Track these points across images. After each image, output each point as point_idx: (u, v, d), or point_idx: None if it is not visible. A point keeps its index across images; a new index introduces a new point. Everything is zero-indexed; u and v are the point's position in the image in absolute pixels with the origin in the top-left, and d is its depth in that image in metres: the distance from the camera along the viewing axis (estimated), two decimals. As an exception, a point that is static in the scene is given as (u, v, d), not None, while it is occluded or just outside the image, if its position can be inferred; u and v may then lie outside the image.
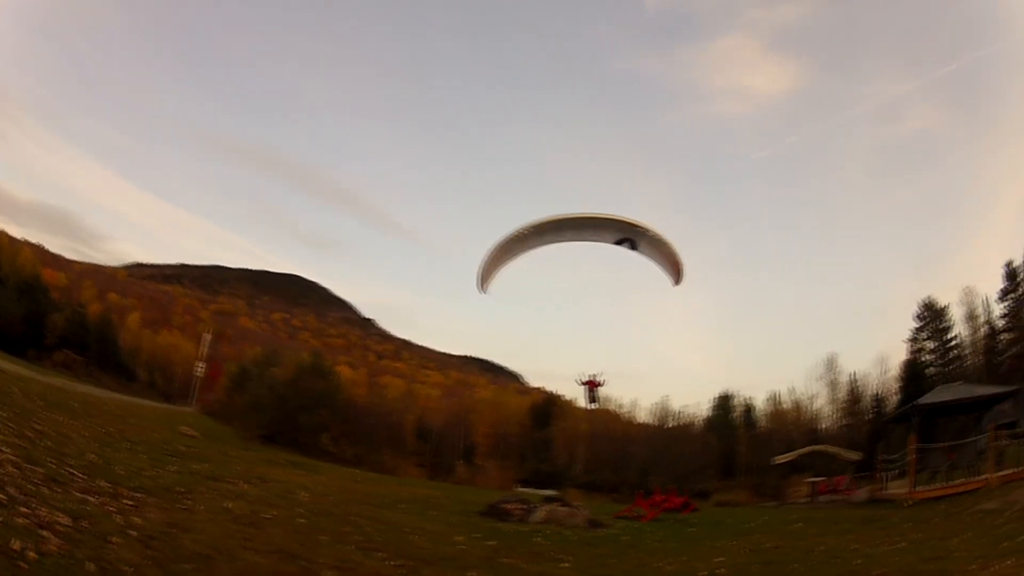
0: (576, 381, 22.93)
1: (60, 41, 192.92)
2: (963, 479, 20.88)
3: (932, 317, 65.47)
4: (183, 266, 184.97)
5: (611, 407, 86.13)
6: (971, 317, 63.45)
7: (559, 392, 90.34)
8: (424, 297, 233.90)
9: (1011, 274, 60.02)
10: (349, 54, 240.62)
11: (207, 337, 37.70)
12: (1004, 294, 60.53)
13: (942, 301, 65.81)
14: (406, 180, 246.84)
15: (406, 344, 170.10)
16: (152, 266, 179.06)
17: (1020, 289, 59.25)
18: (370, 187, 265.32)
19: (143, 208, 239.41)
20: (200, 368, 35.40)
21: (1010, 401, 29.67)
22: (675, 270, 20.85)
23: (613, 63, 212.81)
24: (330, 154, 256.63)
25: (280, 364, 57.79)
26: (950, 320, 64.64)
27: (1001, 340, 60.33)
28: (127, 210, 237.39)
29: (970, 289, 64.55)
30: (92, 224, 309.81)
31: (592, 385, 22.93)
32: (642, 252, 20.88)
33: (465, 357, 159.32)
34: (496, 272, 20.88)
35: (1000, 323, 61.19)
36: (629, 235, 20.52)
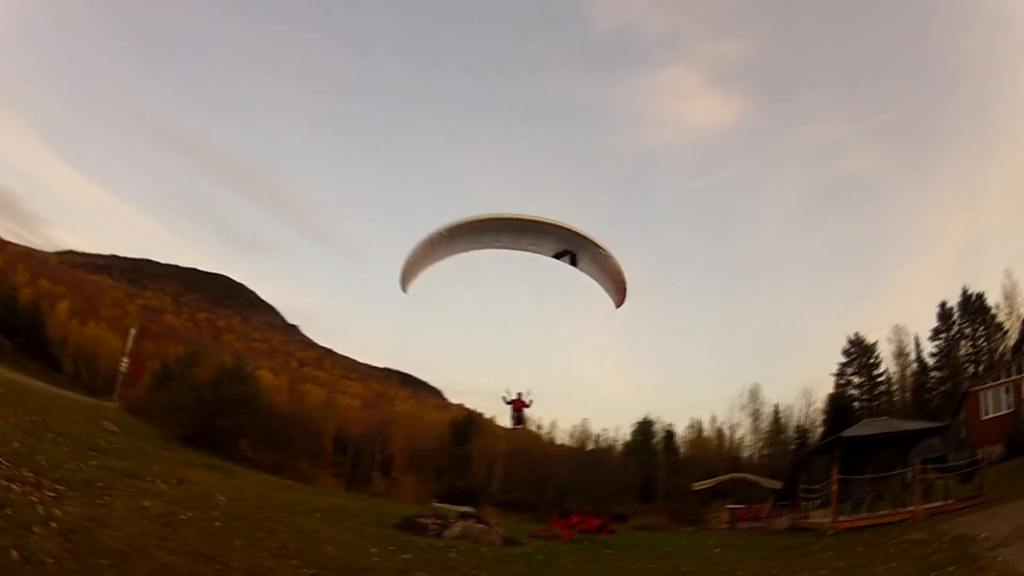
0: (502, 399, 21.57)
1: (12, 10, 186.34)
2: (888, 510, 21.33)
3: (860, 352, 67.59)
4: (114, 257, 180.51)
5: (531, 427, 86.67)
6: (900, 354, 65.82)
7: (479, 409, 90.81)
8: (350, 307, 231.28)
9: (945, 315, 62.48)
10: (290, 57, 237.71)
11: (133, 332, 36.97)
12: (936, 333, 63.21)
13: (871, 338, 68.02)
14: (338, 188, 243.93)
15: (329, 353, 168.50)
16: (84, 255, 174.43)
17: (954, 329, 61.54)
18: (303, 192, 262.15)
19: (80, 193, 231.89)
20: (124, 363, 34.66)
21: (939, 437, 30.78)
22: (619, 290, 19.54)
23: (550, 83, 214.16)
24: (267, 155, 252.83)
25: (202, 365, 57.07)
26: (878, 356, 66.88)
27: (932, 378, 62.60)
28: (65, 193, 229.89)
29: (900, 328, 67.06)
30: (31, 206, 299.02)
31: (518, 405, 21.61)
32: (583, 269, 19.30)
33: (386, 369, 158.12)
34: (421, 271, 19.18)
35: (931, 361, 63.75)
36: (571, 247, 18.82)
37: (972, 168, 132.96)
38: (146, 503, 10.96)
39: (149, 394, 52.17)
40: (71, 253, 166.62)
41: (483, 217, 18.27)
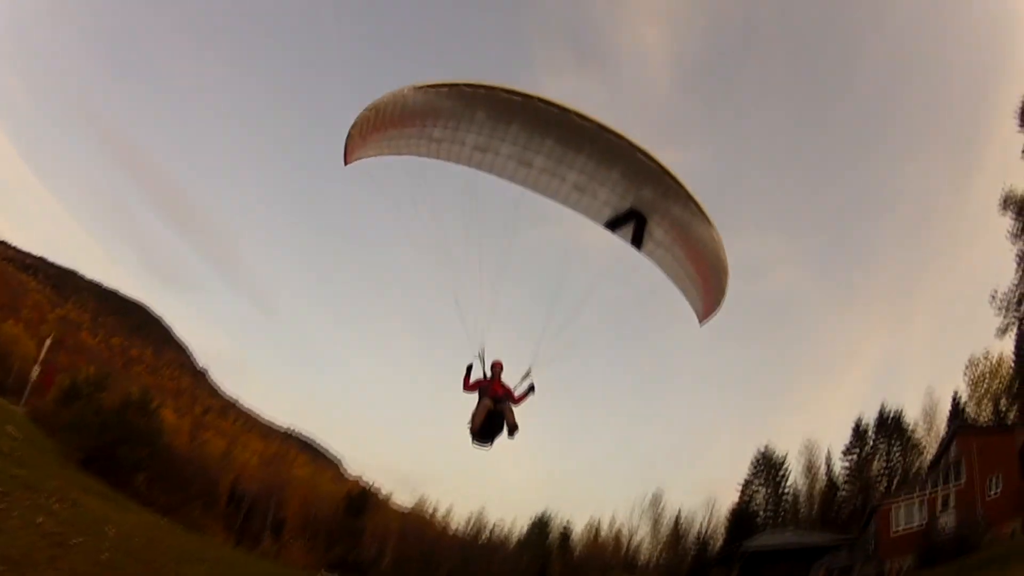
0: (466, 371, 12.33)
1: None
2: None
3: (768, 465, 68.30)
4: (43, 260, 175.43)
5: (425, 510, 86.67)
6: (810, 468, 66.70)
7: (376, 485, 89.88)
8: (259, 360, 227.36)
9: (859, 432, 64.10)
10: (252, 100, 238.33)
11: (48, 342, 35.80)
12: (848, 449, 64.54)
13: (781, 450, 68.93)
14: (269, 243, 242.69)
15: (234, 405, 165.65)
16: (16, 250, 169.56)
17: (868, 446, 62.84)
18: (233, 239, 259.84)
19: (22, 183, 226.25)
20: (36, 372, 33.44)
21: (846, 549, 31.07)
22: (715, 287, 11.90)
23: None
24: (207, 195, 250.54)
25: (109, 390, 55.60)
26: (787, 469, 67.77)
27: (842, 493, 63.89)
28: (6, 179, 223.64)
29: (811, 443, 68.23)
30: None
31: (496, 390, 12.19)
32: (651, 250, 11.70)
33: (288, 433, 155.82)
34: (378, 146, 11.99)
35: (842, 476, 64.81)
36: (641, 201, 11.09)
37: (897, 291, 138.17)
38: (40, 519, 10.50)
39: (55, 408, 50.55)
40: (3, 244, 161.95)
41: (514, 90, 10.59)
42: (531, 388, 12.27)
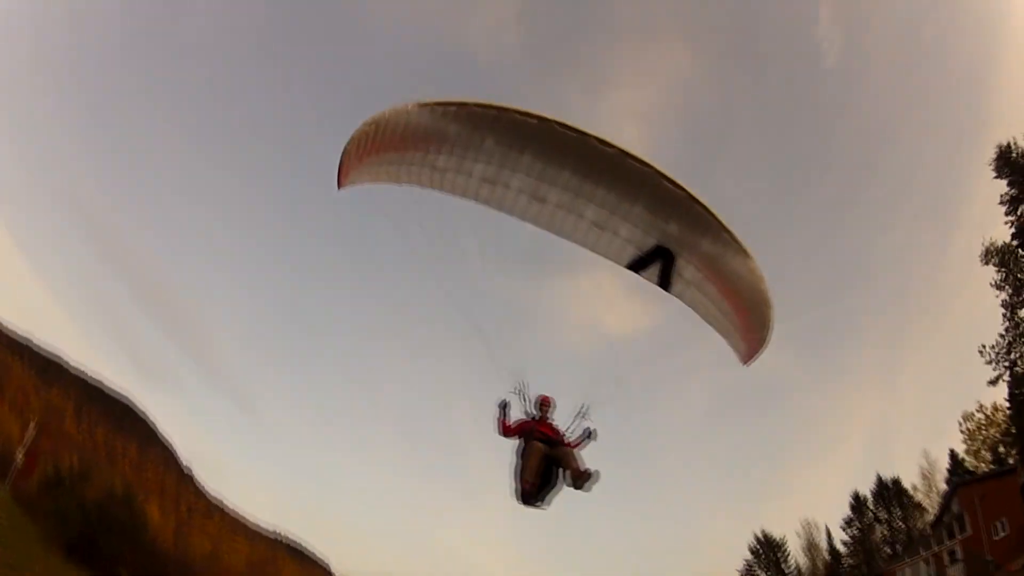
0: (499, 410, 10.38)
1: None
2: None
3: (767, 549, 68.34)
4: (30, 344, 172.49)
5: None
6: (811, 547, 67.06)
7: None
8: (245, 460, 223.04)
9: (858, 504, 65.23)
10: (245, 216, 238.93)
11: (32, 426, 35.51)
12: (848, 523, 65.63)
13: (779, 533, 69.39)
14: (253, 339, 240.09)
15: (219, 507, 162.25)
16: (4, 329, 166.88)
17: (867, 516, 64.09)
18: (219, 336, 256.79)
19: (9, 261, 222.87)
20: (20, 457, 33.17)
21: None
22: (758, 323, 10.55)
23: (484, 280, 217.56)
24: (192, 293, 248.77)
25: (93, 481, 54.78)
26: (786, 551, 68.08)
27: (845, 565, 64.77)
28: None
29: (809, 522, 68.57)
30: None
31: (543, 431, 10.13)
32: (680, 290, 10.26)
33: (276, 538, 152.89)
34: (375, 169, 10.78)
35: (843, 549, 65.71)
36: (667, 238, 9.63)
37: (882, 362, 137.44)
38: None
39: (38, 493, 49.71)
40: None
41: (529, 112, 9.37)
42: (588, 433, 10.15)
